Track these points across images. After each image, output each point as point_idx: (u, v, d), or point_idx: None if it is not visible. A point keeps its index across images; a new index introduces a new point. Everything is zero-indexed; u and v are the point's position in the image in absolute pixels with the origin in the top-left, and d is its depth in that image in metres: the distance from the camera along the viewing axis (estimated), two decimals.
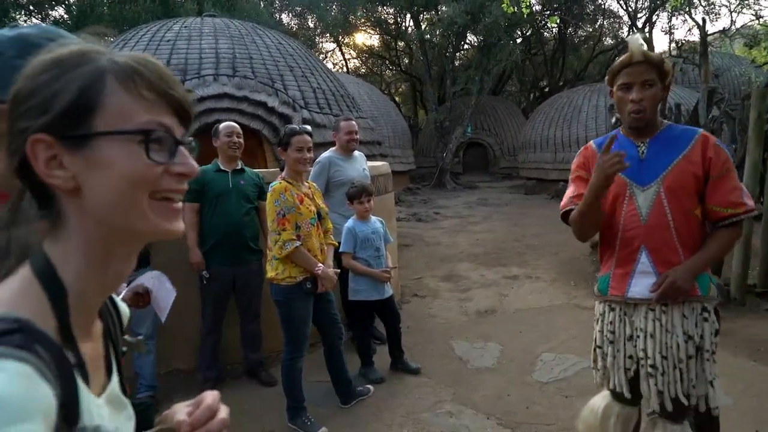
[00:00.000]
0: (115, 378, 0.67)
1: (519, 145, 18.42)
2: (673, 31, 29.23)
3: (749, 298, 4.64)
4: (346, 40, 27.88)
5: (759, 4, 20.91)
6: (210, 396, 0.75)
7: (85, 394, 0.56)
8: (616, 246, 1.94)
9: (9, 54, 0.87)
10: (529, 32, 22.35)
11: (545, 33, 24.17)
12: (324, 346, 3.22)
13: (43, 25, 1.15)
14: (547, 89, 25.45)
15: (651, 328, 1.85)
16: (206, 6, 15.77)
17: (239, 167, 3.63)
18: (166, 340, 3.51)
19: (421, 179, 19.33)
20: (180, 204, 0.63)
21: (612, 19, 25.57)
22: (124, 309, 0.77)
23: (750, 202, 1.82)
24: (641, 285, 1.87)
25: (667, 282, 1.79)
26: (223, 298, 3.55)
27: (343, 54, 29.06)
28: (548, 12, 21.51)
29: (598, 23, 24.99)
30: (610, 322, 1.96)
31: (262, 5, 21.44)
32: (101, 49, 0.61)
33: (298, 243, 2.87)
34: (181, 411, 0.73)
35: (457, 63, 22.62)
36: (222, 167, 3.56)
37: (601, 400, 2.04)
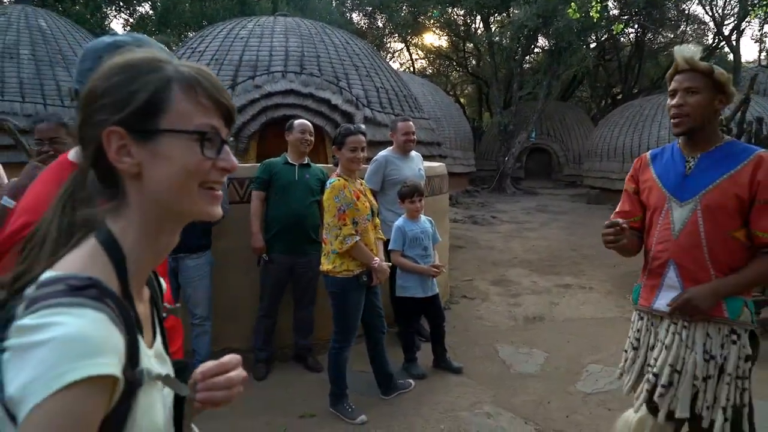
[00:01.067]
0: (158, 337, 0.80)
1: (585, 153, 17.83)
2: (764, 39, 27.26)
3: None
4: (415, 41, 27.98)
5: None
6: (229, 357, 0.87)
7: (141, 344, 0.68)
8: (649, 258, 1.96)
9: (107, 58, 1.03)
10: (605, 37, 21.57)
11: (621, 38, 23.25)
12: (367, 338, 3.34)
13: (135, 34, 1.33)
14: (620, 96, 24.46)
15: (669, 341, 1.85)
16: (280, 5, 16.37)
17: (306, 162, 3.82)
18: (223, 321, 3.75)
19: (482, 182, 19.15)
20: (220, 192, 0.76)
21: (696, 26, 24.28)
22: (162, 282, 0.91)
23: None
24: (666, 298, 1.88)
25: (682, 299, 1.80)
26: (281, 284, 3.74)
27: (410, 54, 29.20)
28: (626, 17, 20.68)
29: (680, 29, 23.77)
30: (638, 330, 2.00)
31: (334, 5, 21.96)
32: (166, 57, 0.74)
33: (357, 238, 3.00)
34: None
35: (525, 66, 22.20)
36: (290, 160, 3.76)
37: (635, 413, 2.03)
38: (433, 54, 29.09)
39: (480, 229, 10.27)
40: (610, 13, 19.21)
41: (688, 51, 1.83)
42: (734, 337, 1.79)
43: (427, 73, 28.98)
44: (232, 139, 0.80)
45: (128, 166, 0.69)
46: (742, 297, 1.81)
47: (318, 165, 3.95)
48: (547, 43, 19.52)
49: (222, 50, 8.03)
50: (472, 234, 9.54)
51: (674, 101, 1.85)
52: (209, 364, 0.85)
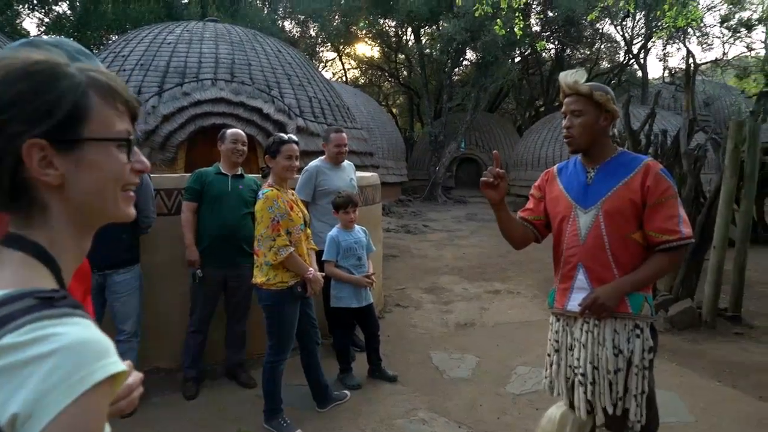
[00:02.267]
0: None
1: (511, 163, 18.64)
2: (667, 58, 29.74)
3: (720, 322, 4.79)
4: (347, 50, 28.14)
5: (750, 37, 21.37)
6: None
7: None
8: (561, 263, 2.10)
9: None
10: (528, 52, 22.68)
11: (543, 54, 24.55)
12: (302, 350, 3.31)
13: (45, 37, 1.26)
14: (542, 108, 25.78)
15: (584, 340, 2.00)
16: (210, 10, 15.93)
17: (239, 172, 3.74)
18: (151, 338, 3.59)
19: (414, 191, 19.51)
20: (133, 193, 0.78)
21: (609, 44, 26.07)
22: None
23: (686, 230, 1.91)
24: (577, 299, 2.02)
25: (590, 298, 1.95)
26: (213, 298, 3.63)
27: (343, 64, 29.33)
28: (547, 33, 21.87)
29: (595, 47, 25.46)
30: (556, 332, 2.13)
31: (266, 12, 21.66)
32: (63, 60, 0.70)
33: (292, 249, 2.97)
34: None
35: (454, 78, 22.90)
36: (223, 171, 3.67)
37: (557, 409, 2.16)
38: (366, 64, 29.38)
39: (413, 238, 10.45)
40: (533, 29, 20.27)
41: (571, 76, 2.01)
42: (638, 331, 1.95)
43: (360, 83, 29.21)
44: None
45: (52, 178, 0.67)
46: (642, 293, 1.98)
47: (251, 175, 3.89)
48: (475, 57, 20.27)
49: (148, 55, 7.72)
50: (405, 243, 9.69)
51: (564, 123, 2.05)
52: None
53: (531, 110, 27.90)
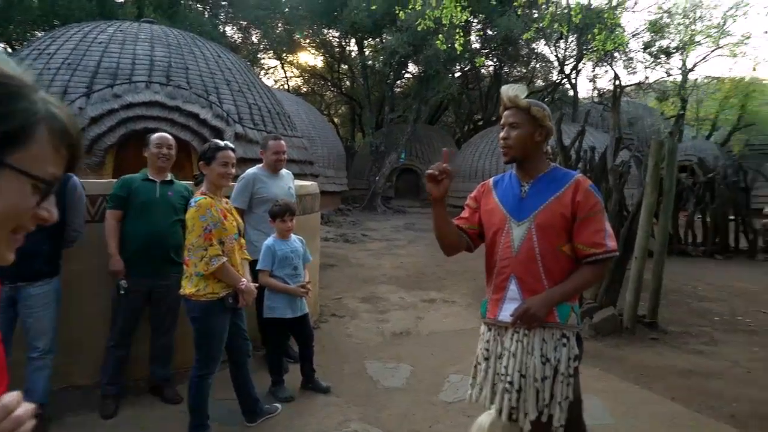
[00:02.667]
0: None
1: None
2: (596, 79, 31.59)
3: (639, 328, 5.08)
4: (290, 58, 27.93)
5: (669, 63, 23.05)
6: (8, 396, 0.73)
7: None
8: (493, 274, 2.16)
9: None
10: (468, 68, 23.39)
11: (482, 70, 25.39)
12: (231, 363, 3.20)
13: None
14: (481, 122, 26.61)
15: (514, 349, 2.05)
16: (147, 11, 15.37)
17: (168, 178, 3.60)
18: (68, 353, 3.38)
19: (354, 201, 19.54)
20: (21, 236, 0.69)
21: (544, 63, 27.33)
22: None
23: (611, 244, 2.02)
24: (509, 310, 2.07)
25: (522, 309, 2.01)
26: (137, 310, 3.46)
27: (285, 72, 29.08)
28: (486, 50, 22.65)
29: (531, 65, 26.62)
30: (487, 341, 2.17)
31: (207, 16, 21.15)
32: (32, 85, 0.66)
33: (224, 259, 2.88)
34: None
35: (396, 90, 23.26)
36: (150, 176, 3.53)
37: (487, 416, 2.21)
38: (309, 73, 29.26)
39: (351, 247, 10.45)
40: (473, 46, 20.94)
41: (512, 90, 2.09)
42: (564, 340, 2.03)
43: (302, 91, 29.04)
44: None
45: None
46: (569, 303, 2.06)
47: (182, 182, 3.76)
48: (417, 70, 20.68)
49: (76, 54, 7.34)
50: (344, 252, 9.67)
51: (501, 134, 2.11)
52: None
53: (470, 124, 28.72)
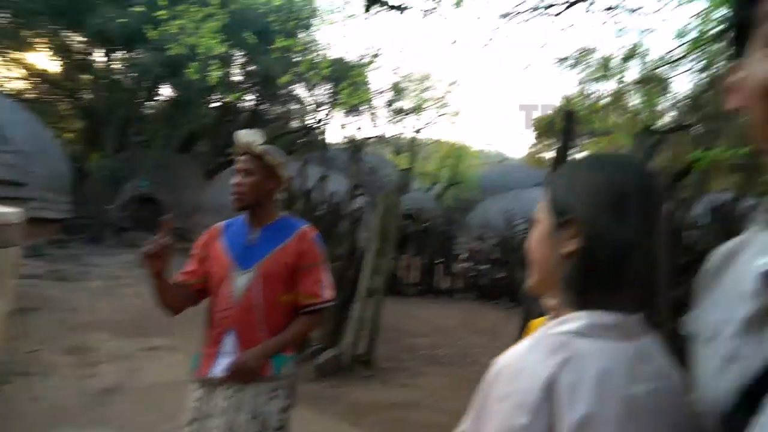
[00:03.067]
0: None
1: (197, 207, 18.17)
2: (345, 127, 34.46)
3: (357, 367, 5.51)
4: (14, 56, 23.21)
5: (403, 123, 26.65)
6: None
7: None
8: (212, 325, 2.06)
9: None
10: (226, 99, 22.96)
11: (241, 104, 25.25)
12: None
13: None
14: None
15: (223, 406, 1.97)
16: None
17: None
18: None
19: (80, 230, 16.94)
20: None
21: (300, 106, 28.63)
22: None
23: (327, 294, 2.11)
24: (223, 364, 1.99)
25: (236, 363, 1.95)
26: None
27: (7, 70, 24.00)
28: (248, 85, 22.63)
29: (288, 106, 27.61)
30: (198, 399, 2.02)
31: None
32: None
33: None
34: None
35: (146, 112, 21.41)
36: None
37: None
38: (39, 77, 24.74)
39: (66, 286, 8.96)
40: (233, 79, 20.74)
41: (247, 136, 2.08)
42: (274, 393, 2.01)
43: (26, 96, 24.34)
44: None
45: None
46: (284, 354, 2.06)
47: None
48: (172, 94, 19.44)
49: None
50: (54, 292, 8.21)
51: (234, 180, 2.06)
52: None
53: (225, 156, 28.10)
